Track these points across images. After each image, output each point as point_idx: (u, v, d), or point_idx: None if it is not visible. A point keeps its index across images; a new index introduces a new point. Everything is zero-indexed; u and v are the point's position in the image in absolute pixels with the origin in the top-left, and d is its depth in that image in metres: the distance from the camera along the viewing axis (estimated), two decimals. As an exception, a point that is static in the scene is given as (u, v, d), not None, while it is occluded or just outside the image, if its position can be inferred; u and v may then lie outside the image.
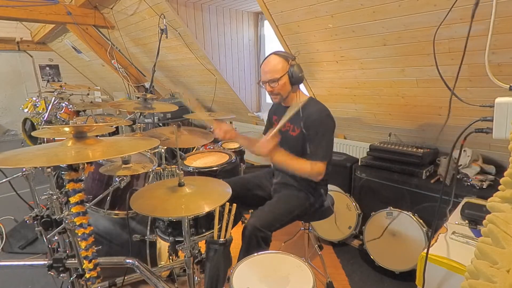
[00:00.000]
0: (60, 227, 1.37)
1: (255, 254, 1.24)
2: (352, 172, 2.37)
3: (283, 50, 2.51)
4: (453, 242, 1.28)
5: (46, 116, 3.03)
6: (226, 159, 2.06)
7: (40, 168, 2.55)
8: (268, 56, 1.62)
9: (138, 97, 1.96)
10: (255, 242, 1.40)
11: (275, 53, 1.62)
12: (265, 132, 1.91)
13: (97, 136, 1.05)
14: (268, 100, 3.83)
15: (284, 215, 1.54)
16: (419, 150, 2.10)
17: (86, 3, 3.57)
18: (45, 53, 6.42)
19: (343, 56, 2.16)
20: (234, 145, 2.56)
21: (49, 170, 1.64)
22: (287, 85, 1.59)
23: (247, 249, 1.40)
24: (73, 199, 1.03)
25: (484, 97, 1.73)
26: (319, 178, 1.54)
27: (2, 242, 2.45)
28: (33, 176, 1.71)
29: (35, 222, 1.50)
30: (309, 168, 1.51)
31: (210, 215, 1.42)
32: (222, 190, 1.27)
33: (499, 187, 0.62)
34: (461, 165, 1.99)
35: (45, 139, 2.29)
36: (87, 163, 1.04)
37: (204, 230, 1.41)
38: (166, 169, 1.83)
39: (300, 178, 1.68)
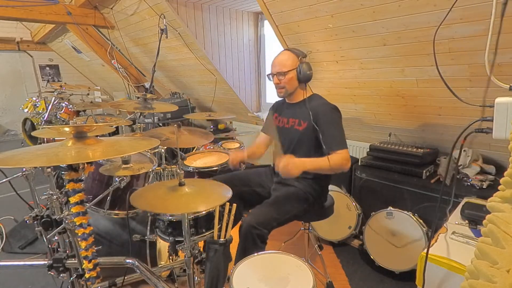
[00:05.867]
0: (60, 227, 1.37)
1: (255, 254, 1.24)
2: (352, 172, 2.37)
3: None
4: (453, 242, 1.28)
5: (46, 116, 3.04)
6: (226, 159, 2.06)
7: (40, 168, 2.55)
8: (281, 51, 1.68)
9: (138, 97, 1.96)
10: (251, 240, 1.41)
11: (288, 48, 1.70)
12: (263, 129, 1.91)
13: (97, 136, 1.05)
14: (268, 100, 3.82)
15: (282, 214, 1.54)
16: (419, 150, 2.09)
17: (86, 3, 3.57)
18: (45, 53, 6.41)
19: (343, 56, 2.16)
20: (234, 145, 2.55)
21: (49, 170, 1.64)
22: (294, 80, 1.61)
23: (243, 247, 1.42)
24: (73, 199, 1.03)
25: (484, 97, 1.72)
26: (349, 165, 1.53)
27: (2, 242, 2.44)
28: (33, 176, 1.71)
29: (35, 222, 1.50)
30: (338, 159, 1.48)
31: (210, 215, 1.42)
32: (222, 191, 1.27)
33: (499, 187, 0.62)
34: (461, 165, 1.98)
35: (45, 139, 2.30)
36: (87, 163, 1.04)
37: (204, 230, 1.41)
38: (166, 169, 1.82)
39: (300, 178, 1.68)
